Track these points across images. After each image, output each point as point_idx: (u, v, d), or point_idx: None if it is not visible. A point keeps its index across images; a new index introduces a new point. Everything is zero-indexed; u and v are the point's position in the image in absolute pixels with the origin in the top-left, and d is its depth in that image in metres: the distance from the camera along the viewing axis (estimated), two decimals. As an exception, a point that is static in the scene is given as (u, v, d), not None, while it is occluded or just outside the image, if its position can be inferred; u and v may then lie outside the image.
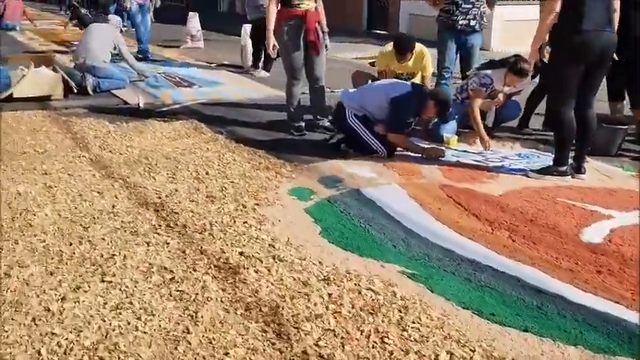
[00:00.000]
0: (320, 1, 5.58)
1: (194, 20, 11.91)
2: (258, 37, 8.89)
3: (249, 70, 9.14)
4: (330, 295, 2.67)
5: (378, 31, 15.10)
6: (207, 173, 4.37)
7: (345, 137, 5.08)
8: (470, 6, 5.79)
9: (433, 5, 6.12)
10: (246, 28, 9.35)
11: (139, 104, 6.74)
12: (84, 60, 7.23)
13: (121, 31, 7.89)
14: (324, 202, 3.81)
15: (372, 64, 10.93)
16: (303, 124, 5.72)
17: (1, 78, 6.72)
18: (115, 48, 7.43)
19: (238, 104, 6.99)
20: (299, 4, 5.38)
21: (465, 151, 5.12)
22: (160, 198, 3.83)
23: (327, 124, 5.73)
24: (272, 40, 5.38)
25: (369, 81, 5.80)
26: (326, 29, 5.63)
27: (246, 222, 3.43)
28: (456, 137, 5.34)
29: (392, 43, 5.84)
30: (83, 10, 14.57)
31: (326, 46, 5.64)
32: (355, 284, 2.77)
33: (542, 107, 5.55)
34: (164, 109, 6.62)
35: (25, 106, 6.43)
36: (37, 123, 5.77)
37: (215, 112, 6.54)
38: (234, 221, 3.45)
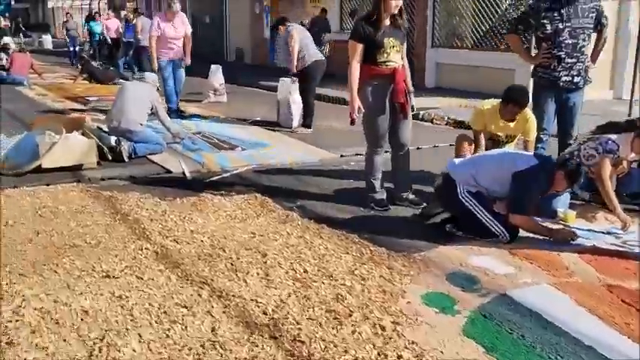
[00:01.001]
0: (405, 57, 4.86)
1: (217, 73, 11.24)
2: (304, 90, 8.24)
3: (295, 130, 8.40)
4: None
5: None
6: (305, 271, 3.55)
7: (451, 216, 4.29)
8: (574, 60, 5.10)
9: (529, 60, 5.43)
10: (286, 82, 8.64)
11: (184, 173, 5.95)
12: (119, 123, 6.45)
13: (157, 89, 7.12)
14: (479, 318, 2.99)
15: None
16: (385, 196, 4.94)
17: (28, 146, 5.92)
18: (152, 109, 6.66)
19: (295, 170, 6.21)
20: (386, 62, 4.66)
21: (590, 231, 4.33)
22: (267, 314, 2.99)
23: (412, 196, 4.96)
24: (357, 103, 4.65)
25: (468, 145, 5.04)
26: (412, 88, 4.92)
27: (401, 356, 2.59)
28: (574, 212, 4.55)
29: (492, 100, 5.09)
30: (94, 64, 13.93)
31: (412, 108, 4.91)
32: None
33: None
34: (214, 178, 5.82)
35: (56, 178, 5.64)
36: (77, 201, 4.94)
37: (273, 180, 5.75)
38: (385, 356, 2.60)
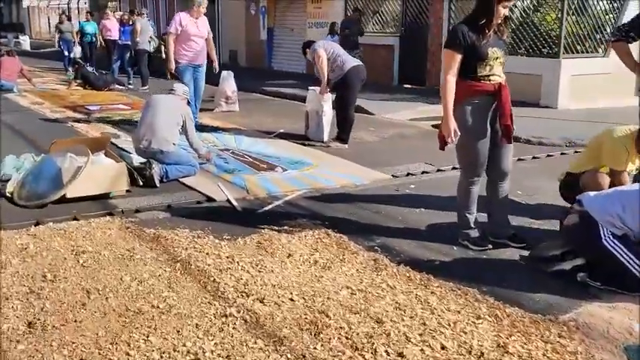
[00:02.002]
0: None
1: (229, 79, 10.43)
2: (342, 103, 7.52)
3: (328, 144, 7.65)
4: None
5: (412, 86, 13.80)
6: (443, 347, 2.82)
7: (588, 264, 3.60)
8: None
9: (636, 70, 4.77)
10: (317, 91, 7.90)
11: (229, 201, 5.18)
12: (148, 143, 5.64)
13: (189, 102, 6.31)
14: None
15: (436, 127, 9.61)
16: (480, 233, 4.24)
17: (49, 172, 5.10)
18: (182, 125, 5.87)
19: (351, 196, 5.49)
20: (489, 77, 3.96)
21: None
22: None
23: (512, 232, 4.26)
24: (452, 124, 3.95)
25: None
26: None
27: None
28: None
29: (623, 128, 4.34)
30: (89, 68, 13.02)
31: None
32: None
33: None
34: (267, 208, 5.06)
35: (82, 209, 4.85)
36: (119, 242, 4.16)
37: (334, 210, 5.03)
38: None
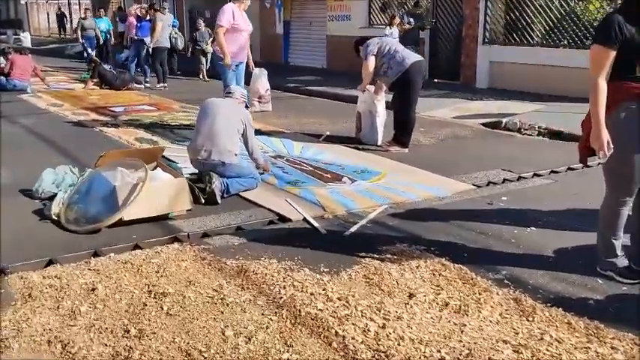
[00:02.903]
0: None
1: (262, 77, 9.70)
2: (402, 103, 6.84)
3: (387, 148, 6.97)
4: None
5: (445, 81, 13.09)
6: None
7: None
8: None
9: None
10: (370, 90, 7.20)
11: (306, 220, 4.51)
12: (208, 154, 4.95)
13: (247, 106, 5.60)
14: None
15: (487, 125, 8.94)
16: (626, 262, 3.57)
17: (101, 190, 4.41)
18: (243, 132, 5.18)
19: (440, 212, 4.83)
20: (650, 75, 3.27)
21: None
22: None
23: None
24: (605, 135, 3.27)
25: None
26: None
27: None
28: None
29: None
30: (106, 67, 12.29)
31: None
32: None
33: None
34: (353, 230, 4.37)
35: (141, 232, 4.19)
36: (200, 279, 3.48)
37: (429, 230, 4.37)
38: None
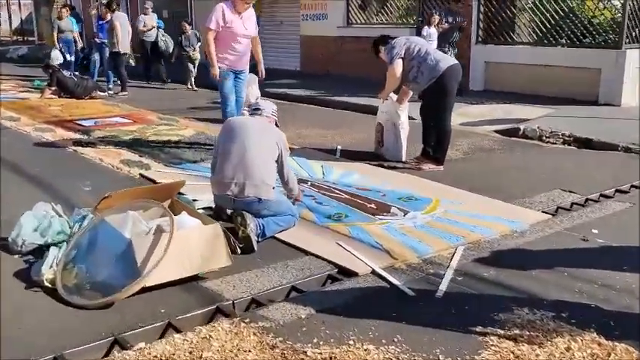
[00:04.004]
0: None
1: (253, 84, 8.63)
2: (436, 113, 5.93)
3: (420, 166, 6.05)
4: None
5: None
6: None
7: None
8: None
9: None
10: (393, 99, 6.27)
11: (375, 273, 3.52)
12: (241, 188, 3.91)
13: (277, 124, 4.53)
14: None
15: (502, 133, 8.10)
16: None
17: (111, 247, 3.30)
18: (278, 158, 4.14)
19: (539, 253, 3.91)
20: None
21: None
22: None
23: None
24: None
25: None
26: None
27: None
28: None
29: None
30: (66, 73, 10.96)
31: None
32: None
33: None
34: (444, 288, 3.41)
35: (164, 299, 3.14)
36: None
37: (545, 283, 3.46)
38: None
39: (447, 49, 9.97)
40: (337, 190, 5.17)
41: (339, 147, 6.96)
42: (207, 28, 6.06)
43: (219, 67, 6.18)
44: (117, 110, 9.52)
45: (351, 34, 13.42)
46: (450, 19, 10.49)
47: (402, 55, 5.87)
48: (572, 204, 4.97)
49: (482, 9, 11.58)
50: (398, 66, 5.87)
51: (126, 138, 7.32)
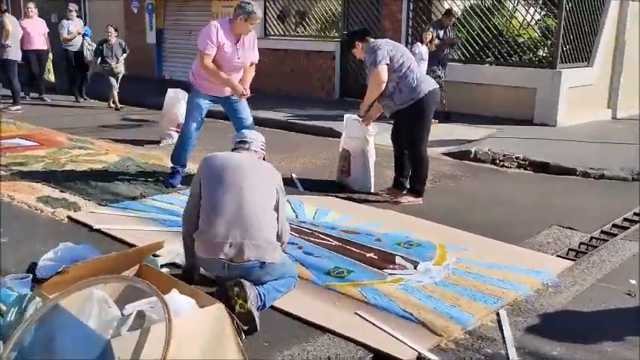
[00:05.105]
0: None
1: (182, 101, 7.60)
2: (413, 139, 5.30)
3: (397, 199, 5.35)
4: None
5: (358, 100, 11.65)
6: None
7: None
8: None
9: None
10: (357, 122, 5.57)
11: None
12: (238, 250, 3.01)
13: (264, 157, 3.63)
14: None
15: (452, 155, 7.59)
16: None
17: (79, 350, 2.30)
18: (275, 205, 3.28)
19: (586, 315, 3.33)
20: None
21: None
22: None
23: None
24: None
25: None
26: None
27: None
28: None
29: None
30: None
31: None
32: None
33: None
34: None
35: None
36: None
37: (591, 353, 2.80)
38: None
39: (438, 68, 9.18)
40: (321, 234, 4.35)
41: (294, 175, 6.14)
42: (203, 54, 5.10)
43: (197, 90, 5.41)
44: (14, 130, 8.12)
45: (269, 46, 12.59)
46: (441, 34, 9.42)
47: (388, 62, 5.11)
48: (581, 244, 4.48)
49: (411, 23, 11.17)
50: (384, 72, 5.05)
51: (36, 166, 6.08)
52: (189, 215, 3.31)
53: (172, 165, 5.65)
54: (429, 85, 5.22)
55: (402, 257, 3.96)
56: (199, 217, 3.24)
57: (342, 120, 5.87)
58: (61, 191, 5.17)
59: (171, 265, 3.65)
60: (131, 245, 3.94)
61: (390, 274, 3.70)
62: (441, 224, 4.71)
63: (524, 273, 3.80)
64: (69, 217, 4.53)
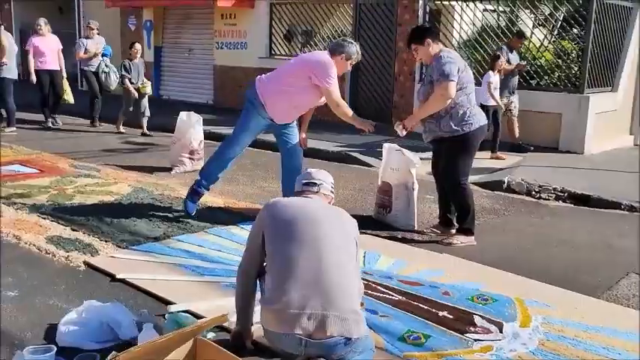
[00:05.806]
0: None
1: (197, 126, 7.06)
2: (457, 171, 4.80)
3: (449, 240, 4.82)
4: None
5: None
6: None
7: None
8: None
9: None
10: (402, 152, 5.06)
11: None
12: (319, 323, 2.44)
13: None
14: None
15: (484, 186, 7.06)
16: None
17: None
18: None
19: None
20: None
21: None
22: None
23: None
24: None
25: None
26: None
27: None
28: None
29: None
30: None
31: None
32: None
33: None
34: None
35: None
36: None
37: None
38: None
39: (507, 96, 8.61)
40: (379, 286, 3.79)
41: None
42: (331, 90, 4.91)
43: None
44: (11, 154, 7.48)
45: (275, 66, 12.07)
46: (511, 58, 8.72)
47: (457, 79, 4.57)
48: (668, 297, 3.96)
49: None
50: (454, 88, 4.49)
51: (41, 197, 5.47)
52: (245, 274, 2.75)
53: (198, 179, 5.07)
54: (481, 119, 4.73)
55: (481, 317, 3.41)
56: (257, 277, 2.70)
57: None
58: (72, 229, 4.56)
59: (218, 328, 3.07)
60: (159, 298, 3.39)
61: (477, 340, 3.14)
62: (507, 271, 4.18)
63: (625, 337, 3.26)
64: (86, 263, 3.93)
